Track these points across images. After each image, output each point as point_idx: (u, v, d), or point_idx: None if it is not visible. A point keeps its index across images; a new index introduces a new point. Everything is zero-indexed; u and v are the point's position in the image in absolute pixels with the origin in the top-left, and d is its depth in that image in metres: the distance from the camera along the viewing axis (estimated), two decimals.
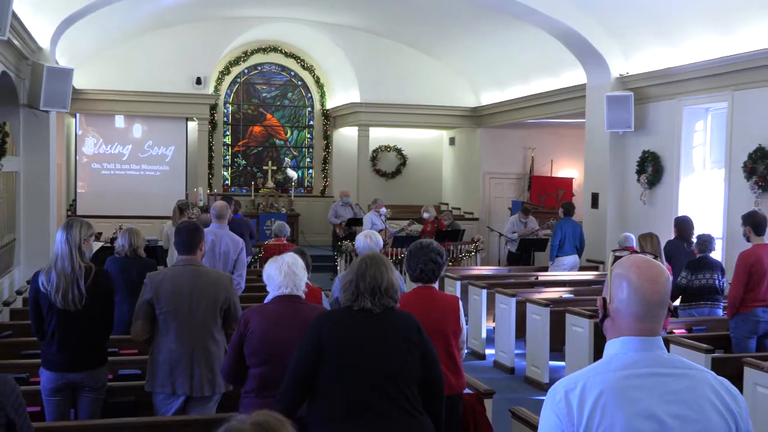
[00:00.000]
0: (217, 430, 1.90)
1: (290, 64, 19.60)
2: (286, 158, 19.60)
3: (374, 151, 19.30)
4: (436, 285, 4.70)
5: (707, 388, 2.15)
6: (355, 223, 14.77)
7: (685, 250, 8.31)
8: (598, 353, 7.57)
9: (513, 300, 9.00)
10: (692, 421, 2.09)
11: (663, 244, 8.49)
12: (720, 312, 7.42)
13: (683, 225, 8.70)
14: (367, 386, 3.38)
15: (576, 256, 11.51)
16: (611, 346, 2.22)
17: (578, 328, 7.92)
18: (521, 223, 13.64)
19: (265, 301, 4.35)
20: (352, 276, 3.56)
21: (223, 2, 15.11)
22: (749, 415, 2.20)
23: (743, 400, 2.20)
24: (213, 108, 18.39)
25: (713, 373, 2.22)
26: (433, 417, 3.54)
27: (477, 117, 18.34)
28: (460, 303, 4.75)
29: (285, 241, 9.00)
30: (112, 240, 7.25)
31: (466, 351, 8.63)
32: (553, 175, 18.07)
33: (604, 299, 2.28)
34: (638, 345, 2.17)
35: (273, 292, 4.21)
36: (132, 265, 6.23)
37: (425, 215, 13.88)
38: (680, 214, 9.91)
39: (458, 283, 10.34)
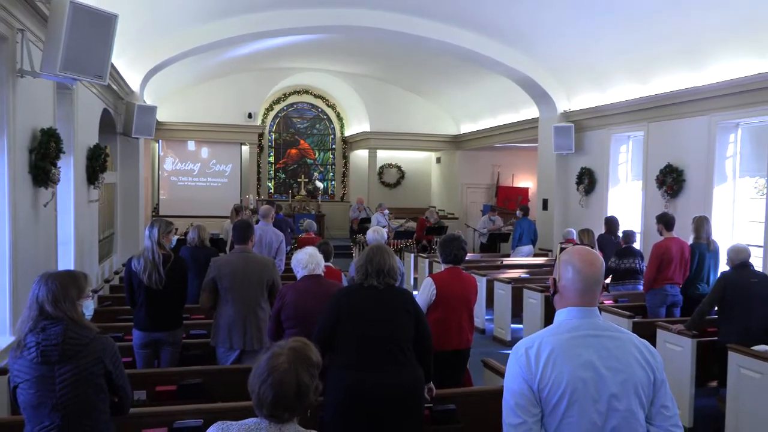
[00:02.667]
0: (265, 353, 1.99)
1: (318, 102, 19.67)
2: (314, 173, 19.69)
3: (380, 167, 19.31)
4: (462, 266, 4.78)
5: (632, 347, 2.15)
6: (366, 221, 14.80)
7: (612, 241, 8.31)
8: (547, 318, 7.57)
9: (484, 278, 8.98)
10: (621, 372, 2.09)
11: (596, 236, 8.50)
12: (640, 288, 7.39)
13: (611, 223, 8.70)
14: (373, 342, 3.38)
15: (531, 246, 11.51)
16: (559, 315, 2.21)
17: (532, 300, 7.94)
18: (490, 221, 13.62)
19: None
20: (363, 261, 3.57)
21: (269, 56, 15.13)
22: (663, 367, 2.20)
23: (659, 356, 2.20)
24: (260, 136, 18.44)
25: (636, 335, 2.21)
26: (424, 368, 3.52)
27: (457, 142, 18.34)
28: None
29: (313, 235, 8.98)
30: (185, 234, 7.25)
31: None
32: (514, 185, 18.08)
33: (554, 279, 2.27)
34: (580, 314, 2.17)
35: (301, 272, 4.23)
36: (200, 252, 6.24)
37: (431, 218, 13.83)
38: (609, 214, 9.90)
39: (443, 266, 10.31)
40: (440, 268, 10.90)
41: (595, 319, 2.17)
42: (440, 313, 4.44)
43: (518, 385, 2.09)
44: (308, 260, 4.21)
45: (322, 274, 4.26)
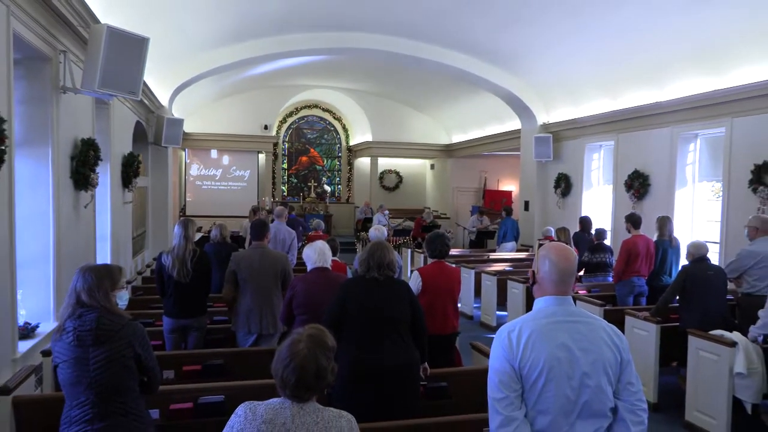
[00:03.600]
0: (284, 340, 1.99)
1: (326, 116, 19.65)
2: (323, 178, 19.66)
3: (381, 173, 19.28)
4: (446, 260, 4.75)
5: (602, 331, 2.15)
6: (368, 221, 14.80)
7: (586, 238, 8.31)
8: (528, 306, 7.57)
9: (472, 271, 9.00)
10: (591, 352, 2.09)
11: (572, 234, 8.50)
12: (610, 279, 7.40)
13: (585, 222, 8.69)
14: (374, 326, 3.38)
15: (514, 243, 11.51)
16: (538, 303, 2.22)
17: (515, 290, 7.93)
18: (478, 220, 13.63)
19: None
20: (366, 256, 3.57)
21: (282, 75, 15.13)
22: (629, 349, 2.21)
23: (625, 338, 2.21)
24: (275, 145, 18.42)
25: (605, 321, 2.22)
26: (420, 349, 3.52)
27: (449, 150, 18.32)
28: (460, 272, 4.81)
29: (321, 233, 8.97)
30: (209, 231, 7.26)
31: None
32: (499, 188, 18.06)
33: (533, 271, 2.27)
34: (556, 301, 2.17)
35: (310, 265, 4.22)
36: (222, 248, 6.23)
37: (428, 219, 13.79)
38: (583, 214, 9.89)
39: (429, 260, 10.31)
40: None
41: (569, 307, 2.17)
42: (426, 302, 4.39)
43: (501, 365, 2.10)
44: (317, 254, 4.21)
45: (329, 267, 4.25)
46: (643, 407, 2.12)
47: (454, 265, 4.95)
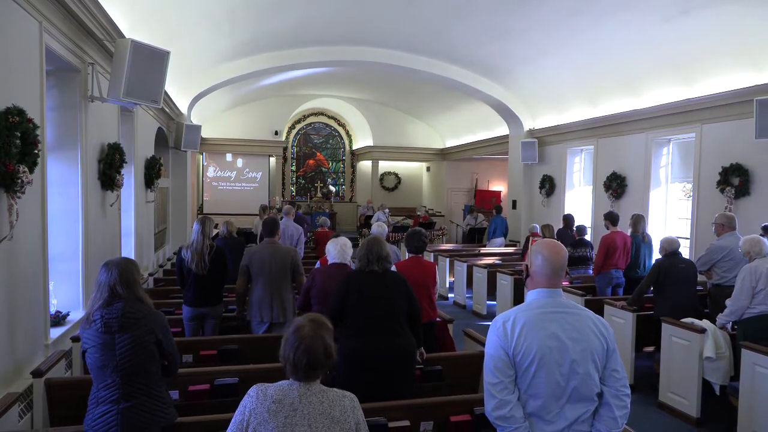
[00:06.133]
0: (290, 327, 2.01)
1: (331, 122, 19.60)
2: (328, 179, 19.61)
3: (381, 174, 19.24)
4: (423, 255, 4.67)
5: (590, 321, 2.12)
6: (370, 218, 14.76)
7: (569, 234, 8.27)
8: (515, 296, 7.54)
9: (465, 264, 8.97)
10: (580, 341, 2.06)
11: (555, 230, 8.47)
12: (590, 272, 7.38)
13: (568, 219, 8.65)
14: (374, 315, 3.34)
15: (503, 238, 11.49)
16: (530, 295, 2.19)
17: (504, 282, 7.90)
18: (472, 218, 13.58)
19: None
20: (364, 251, 3.53)
21: (291, 85, 15.08)
22: (614, 339, 2.18)
23: (611, 329, 2.18)
24: (285, 149, 18.39)
25: (593, 312, 2.19)
26: (415, 336, 3.49)
27: (443, 154, 18.29)
28: (436, 267, 4.73)
29: (327, 229, 8.95)
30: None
31: (440, 295, 8.65)
32: (489, 189, 18.05)
33: (527, 266, 2.24)
34: (547, 294, 2.14)
35: (331, 259, 4.18)
36: (229, 241, 6.21)
37: (420, 212, 13.78)
38: (566, 212, 9.86)
39: (432, 254, 10.32)
40: (430, 256, 10.83)
41: (559, 299, 2.14)
42: None
43: (497, 352, 2.07)
44: (337, 251, 4.17)
45: (348, 264, 4.20)
46: (626, 392, 2.09)
47: (448, 258, 4.88)
